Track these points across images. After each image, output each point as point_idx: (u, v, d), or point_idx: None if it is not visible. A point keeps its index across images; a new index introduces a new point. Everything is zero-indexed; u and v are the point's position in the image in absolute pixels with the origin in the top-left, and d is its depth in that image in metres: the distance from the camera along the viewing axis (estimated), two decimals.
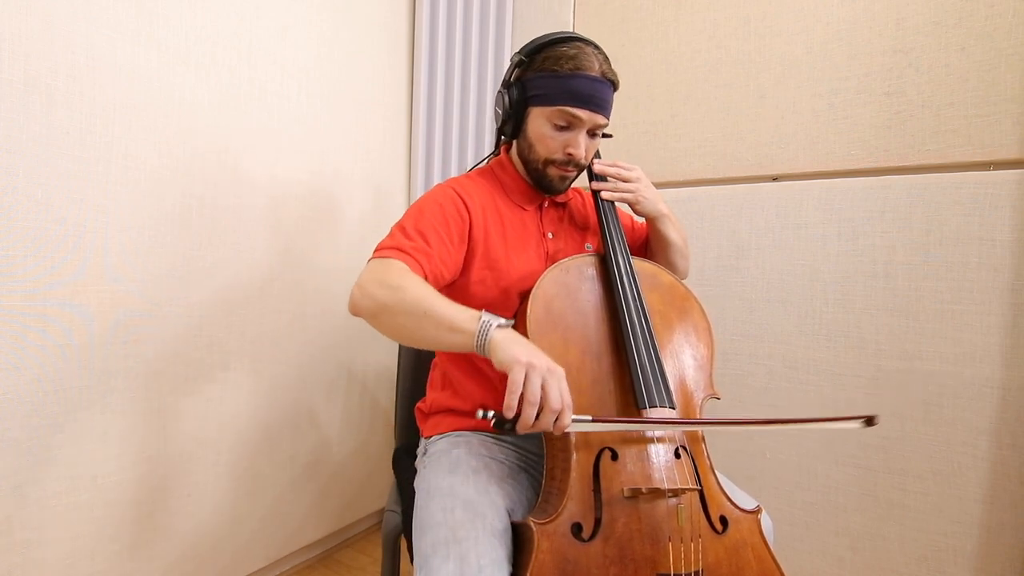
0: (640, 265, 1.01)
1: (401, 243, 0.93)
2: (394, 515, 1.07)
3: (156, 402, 1.34)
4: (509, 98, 1.03)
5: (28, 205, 1.11)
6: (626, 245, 1.00)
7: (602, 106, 0.99)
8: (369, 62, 1.87)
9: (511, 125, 1.05)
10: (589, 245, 1.13)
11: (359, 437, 1.93)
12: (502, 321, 0.79)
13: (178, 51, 1.34)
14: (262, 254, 1.56)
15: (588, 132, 1.00)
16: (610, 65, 1.00)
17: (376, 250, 0.94)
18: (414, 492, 0.96)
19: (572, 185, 1.10)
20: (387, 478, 2.05)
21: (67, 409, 1.19)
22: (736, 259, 1.63)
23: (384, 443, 2.03)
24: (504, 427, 0.73)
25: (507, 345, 0.75)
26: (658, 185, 1.72)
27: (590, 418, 0.77)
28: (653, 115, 1.76)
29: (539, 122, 1.01)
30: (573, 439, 0.82)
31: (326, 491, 1.83)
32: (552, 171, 1.03)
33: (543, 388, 0.72)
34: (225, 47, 1.44)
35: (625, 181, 1.08)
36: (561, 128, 0.99)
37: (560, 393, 0.72)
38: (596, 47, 1.00)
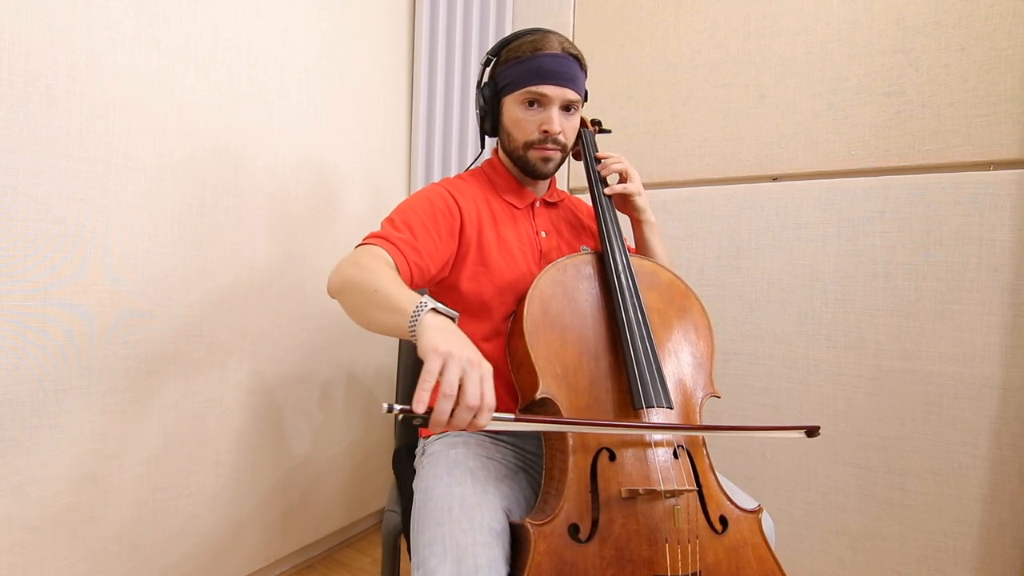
0: (639, 263, 1.01)
1: (388, 233, 0.95)
2: (394, 515, 1.07)
3: (156, 402, 1.34)
4: (484, 96, 1.08)
5: (28, 205, 1.11)
6: (624, 244, 1.00)
7: (568, 80, 1.02)
8: (369, 62, 1.87)
9: (489, 121, 1.09)
10: (585, 248, 1.13)
11: (359, 437, 1.93)
12: (440, 307, 0.74)
13: (178, 51, 1.34)
14: (262, 254, 1.56)
15: (563, 109, 1.03)
16: (573, 45, 1.05)
17: (363, 239, 0.95)
18: (414, 492, 0.96)
19: (558, 170, 1.11)
20: (387, 478, 2.05)
21: (67, 409, 1.19)
22: (736, 259, 1.63)
23: (384, 443, 2.03)
24: (414, 423, 0.65)
25: (432, 332, 0.69)
26: (658, 185, 1.75)
27: (512, 416, 0.71)
28: (653, 115, 1.76)
29: (512, 108, 1.05)
30: (571, 440, 0.82)
31: (326, 491, 1.83)
32: (532, 154, 1.05)
33: (461, 382, 0.65)
34: (225, 47, 1.44)
35: (618, 162, 1.12)
36: (533, 109, 1.03)
37: (480, 389, 0.66)
38: (562, 36, 1.05)
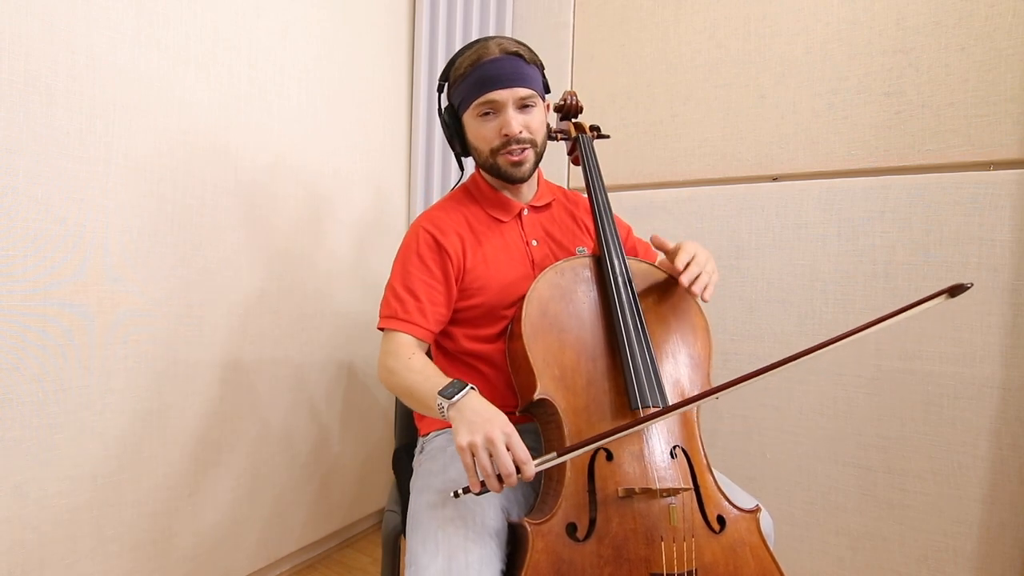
0: (636, 266, 1.01)
1: (395, 311, 1.02)
2: (394, 515, 1.08)
3: (156, 402, 1.35)
4: (446, 121, 1.10)
5: (28, 205, 1.11)
6: (621, 246, 1.00)
7: (514, 80, 1.01)
8: (369, 62, 1.87)
9: (458, 142, 1.11)
10: (582, 248, 1.12)
11: (359, 437, 1.93)
12: (455, 398, 0.83)
13: (178, 51, 1.34)
14: (262, 254, 1.56)
15: (519, 108, 1.02)
16: (517, 42, 1.04)
17: (380, 318, 1.05)
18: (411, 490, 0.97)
19: (537, 167, 1.10)
20: (387, 478, 2.05)
21: (67, 409, 1.19)
22: (736, 259, 1.63)
23: (384, 443, 2.04)
24: (481, 494, 0.78)
25: (456, 427, 0.79)
26: (658, 185, 1.75)
27: (555, 454, 0.79)
28: (653, 115, 1.76)
29: (471, 124, 1.06)
30: (569, 440, 0.83)
31: (326, 491, 1.83)
32: (501, 160, 1.05)
33: (492, 460, 0.75)
34: (225, 47, 1.44)
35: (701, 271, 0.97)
36: (489, 117, 1.03)
37: (511, 455, 0.76)
38: (503, 37, 1.04)
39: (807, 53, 1.52)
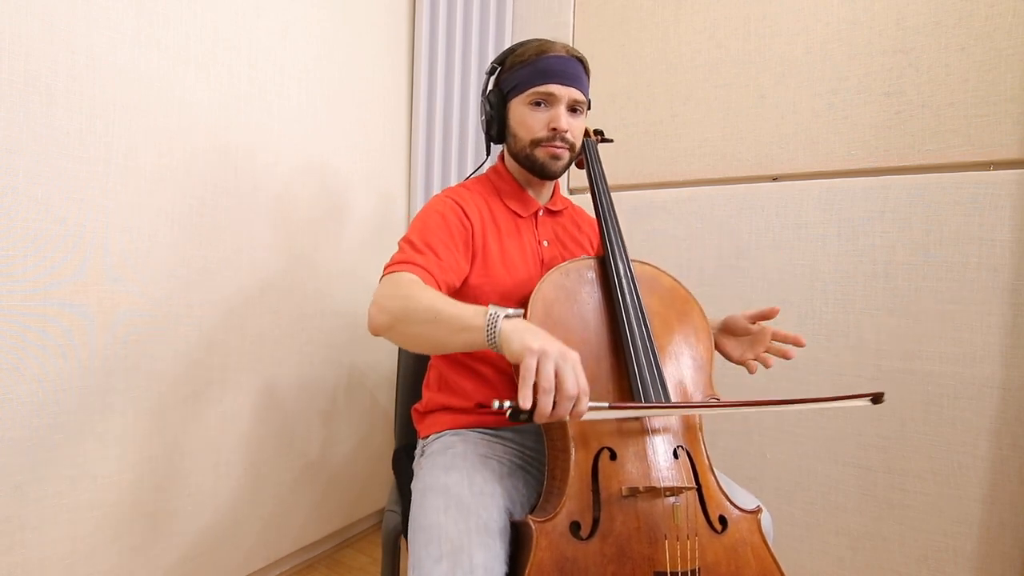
0: (640, 268, 1.01)
1: (411, 256, 0.95)
2: (394, 515, 1.08)
3: (156, 402, 1.34)
4: (490, 102, 1.09)
5: (28, 205, 1.11)
6: (626, 249, 1.00)
7: (574, 80, 1.03)
8: (369, 62, 1.87)
9: (496, 125, 1.10)
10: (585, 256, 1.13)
11: (359, 437, 1.93)
12: (509, 311, 0.76)
13: (178, 51, 1.34)
14: (262, 254, 1.56)
15: (569, 110, 1.04)
16: (577, 50, 1.07)
17: (387, 266, 0.95)
18: (412, 493, 0.96)
19: (566, 170, 1.11)
20: (387, 478, 2.05)
21: (67, 409, 1.19)
22: (736, 259, 1.63)
23: (384, 443, 2.03)
24: (520, 418, 0.68)
25: (518, 335, 0.72)
26: (658, 185, 1.75)
27: (607, 404, 0.75)
28: (653, 115, 1.76)
29: (519, 110, 1.06)
30: (572, 439, 0.82)
31: (327, 491, 1.83)
32: (540, 152, 1.05)
33: (557, 375, 0.68)
34: (225, 47, 1.44)
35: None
36: (540, 108, 1.03)
37: (576, 379, 0.69)
38: (562, 41, 1.07)
39: (807, 53, 1.52)
